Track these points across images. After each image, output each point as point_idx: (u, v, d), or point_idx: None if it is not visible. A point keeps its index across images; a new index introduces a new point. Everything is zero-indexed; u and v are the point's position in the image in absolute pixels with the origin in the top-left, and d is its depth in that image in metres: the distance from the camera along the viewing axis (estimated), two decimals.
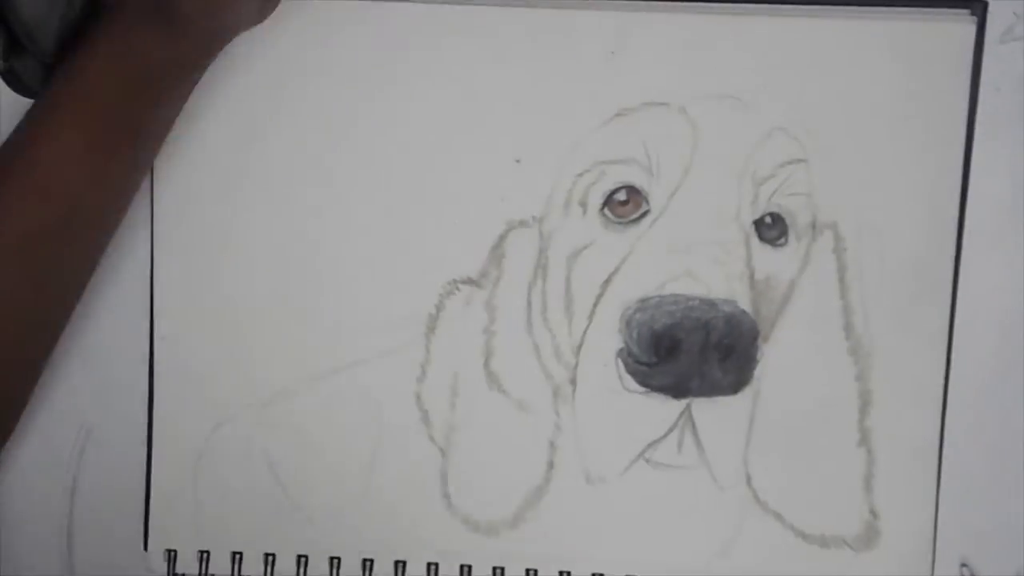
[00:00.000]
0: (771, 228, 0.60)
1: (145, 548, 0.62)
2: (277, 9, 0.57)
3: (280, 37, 0.60)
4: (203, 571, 0.62)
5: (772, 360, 0.61)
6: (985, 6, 0.59)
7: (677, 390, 0.60)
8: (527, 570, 0.62)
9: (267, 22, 0.57)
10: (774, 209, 0.60)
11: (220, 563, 0.62)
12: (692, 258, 0.60)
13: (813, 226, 0.60)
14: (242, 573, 0.62)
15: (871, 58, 0.59)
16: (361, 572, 0.62)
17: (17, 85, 0.56)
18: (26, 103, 0.55)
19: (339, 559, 0.62)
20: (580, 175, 0.60)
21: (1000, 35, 0.59)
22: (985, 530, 0.61)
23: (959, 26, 0.59)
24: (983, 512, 0.61)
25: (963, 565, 0.61)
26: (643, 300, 0.60)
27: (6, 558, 0.63)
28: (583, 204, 0.60)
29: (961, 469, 0.61)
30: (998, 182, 0.60)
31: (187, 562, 0.62)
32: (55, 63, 0.55)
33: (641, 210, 0.60)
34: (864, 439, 0.61)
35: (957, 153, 0.60)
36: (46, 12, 0.53)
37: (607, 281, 0.61)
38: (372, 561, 0.62)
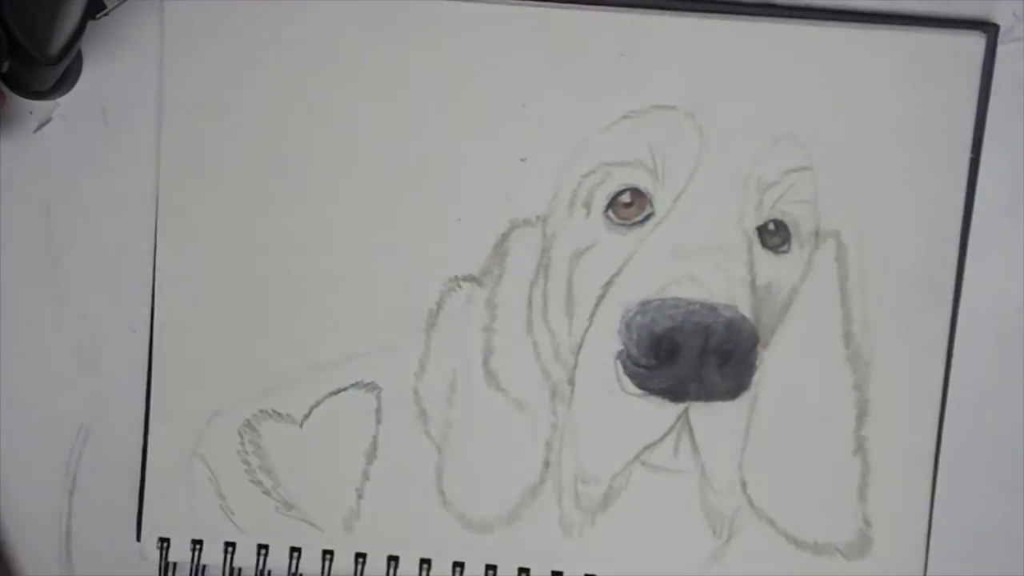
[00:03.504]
0: (774, 235, 0.60)
1: (138, 537, 0.62)
2: (283, 6, 0.57)
3: (287, 31, 0.60)
4: (195, 561, 0.62)
5: (771, 367, 0.61)
6: (996, 28, 0.59)
7: (675, 394, 0.60)
8: (519, 569, 0.62)
9: (275, 18, 0.57)
10: (777, 216, 0.60)
11: (213, 553, 0.62)
12: (694, 262, 0.60)
13: (816, 234, 0.60)
14: (234, 564, 0.62)
15: (880, 69, 0.59)
16: (354, 566, 0.62)
17: (17, 86, 0.56)
18: (25, 105, 0.55)
19: (332, 552, 0.62)
20: (585, 176, 0.60)
21: (1000, 35, 0.59)
22: (979, 542, 0.62)
23: (968, 42, 0.59)
24: (977, 524, 0.62)
25: None
26: (644, 303, 0.60)
27: (6, 557, 0.63)
28: (587, 205, 0.60)
29: (956, 480, 0.61)
30: (998, 184, 0.60)
31: (180, 551, 0.62)
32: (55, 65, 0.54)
33: (645, 213, 0.60)
34: (860, 448, 0.61)
35: (961, 166, 0.60)
36: (45, 12, 0.53)
37: (609, 283, 0.61)
38: (365, 556, 0.62)
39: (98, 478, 0.63)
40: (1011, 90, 0.60)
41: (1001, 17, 0.59)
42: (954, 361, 0.61)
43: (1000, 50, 0.59)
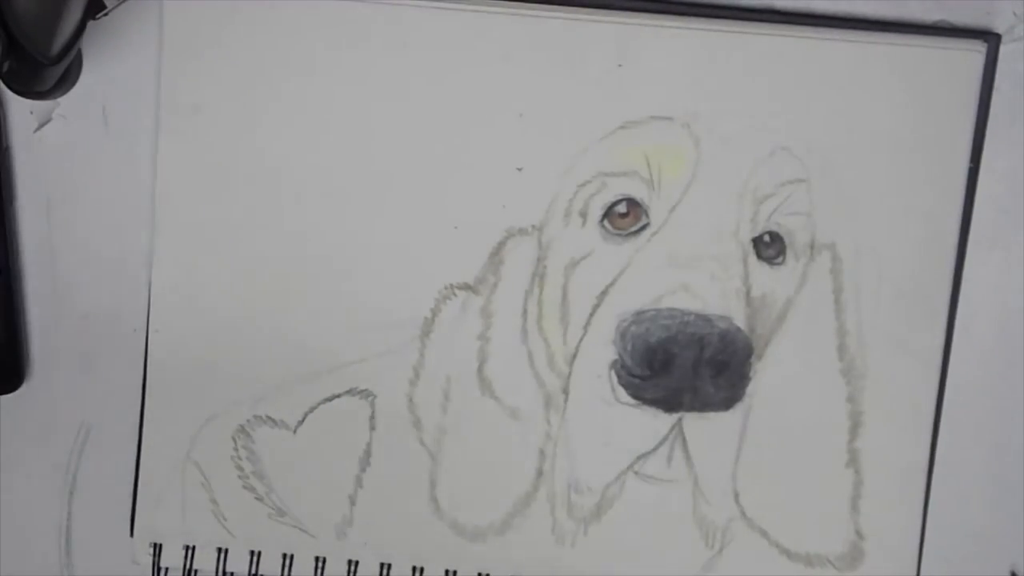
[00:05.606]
0: (769, 246, 0.60)
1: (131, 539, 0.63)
2: (282, 8, 0.57)
3: (285, 38, 0.60)
4: (188, 566, 0.62)
5: (765, 378, 0.61)
6: (998, 39, 0.59)
7: (669, 404, 0.60)
8: None
9: (272, 24, 0.57)
10: (773, 228, 0.60)
11: (205, 559, 0.62)
12: (689, 273, 0.60)
13: (811, 246, 0.60)
14: (226, 570, 0.62)
15: (877, 80, 0.59)
16: (346, 573, 0.62)
17: (17, 86, 0.56)
18: (25, 105, 0.55)
19: (324, 559, 0.62)
20: (581, 185, 0.60)
21: (1001, 37, 0.60)
22: (972, 555, 0.62)
23: (969, 52, 0.59)
24: (970, 537, 0.62)
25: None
26: (639, 313, 0.60)
27: (5, 558, 0.63)
28: (583, 214, 0.60)
29: (948, 493, 0.61)
30: (998, 185, 0.60)
31: (172, 556, 0.62)
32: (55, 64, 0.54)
33: (641, 223, 0.60)
34: (852, 460, 0.61)
35: (959, 178, 0.60)
36: (45, 12, 0.53)
37: (604, 292, 0.61)
38: (357, 563, 0.62)
39: (98, 478, 0.63)
40: (1012, 89, 0.60)
41: (1001, 18, 0.60)
42: (950, 372, 0.61)
43: (1001, 49, 0.59)
